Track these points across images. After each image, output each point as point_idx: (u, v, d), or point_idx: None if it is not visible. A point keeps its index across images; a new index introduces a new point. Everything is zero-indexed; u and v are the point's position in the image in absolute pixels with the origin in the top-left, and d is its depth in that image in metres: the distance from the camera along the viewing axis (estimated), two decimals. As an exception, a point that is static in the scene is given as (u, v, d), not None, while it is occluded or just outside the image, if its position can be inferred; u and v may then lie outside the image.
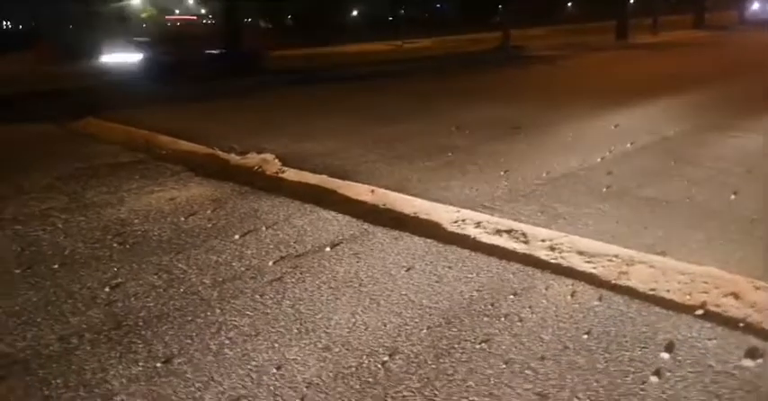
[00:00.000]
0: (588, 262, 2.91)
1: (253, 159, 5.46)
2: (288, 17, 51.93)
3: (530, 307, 2.48)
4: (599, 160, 4.88)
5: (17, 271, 3.07)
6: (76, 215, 3.99)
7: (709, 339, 2.20)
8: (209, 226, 3.69)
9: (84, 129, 7.74)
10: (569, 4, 56.22)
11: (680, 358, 2.09)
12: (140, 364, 2.18)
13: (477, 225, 3.51)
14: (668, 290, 2.59)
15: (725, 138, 5.56)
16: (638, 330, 2.28)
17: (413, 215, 3.77)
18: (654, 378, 1.97)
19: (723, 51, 16.52)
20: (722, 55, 15.41)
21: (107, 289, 2.81)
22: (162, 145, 6.35)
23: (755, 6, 30.67)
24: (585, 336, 2.24)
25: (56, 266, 3.12)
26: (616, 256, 2.95)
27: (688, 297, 2.53)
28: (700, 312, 2.39)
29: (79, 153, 6.03)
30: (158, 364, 2.17)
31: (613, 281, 2.69)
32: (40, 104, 10.61)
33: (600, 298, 2.53)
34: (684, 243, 3.12)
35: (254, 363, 2.16)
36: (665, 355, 2.10)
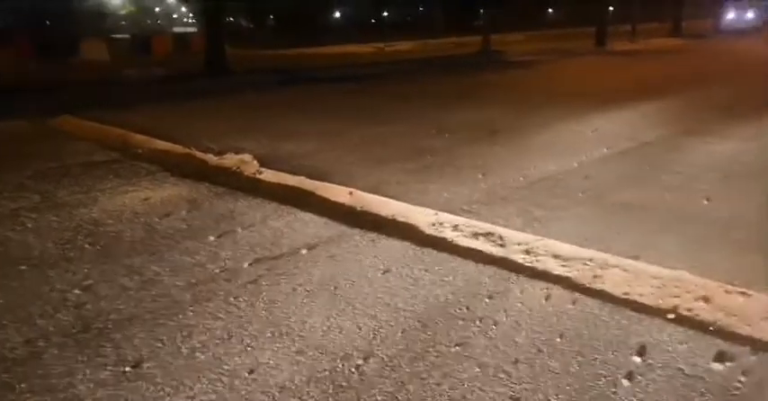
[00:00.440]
0: (563, 265, 2.92)
1: (230, 160, 5.39)
2: (270, 17, 51.68)
3: (504, 311, 2.48)
4: (576, 164, 4.92)
5: (-17, 272, 3.00)
6: (47, 215, 3.91)
7: (680, 343, 2.23)
8: (184, 227, 3.64)
9: (60, 127, 7.61)
10: (550, 10, 56.85)
11: (651, 361, 2.11)
12: (109, 368, 2.14)
13: (455, 228, 3.50)
14: (641, 294, 2.61)
15: (701, 144, 5.64)
16: (610, 333, 2.29)
17: (390, 217, 3.76)
18: (625, 382, 1.99)
19: (700, 59, 16.81)
20: (699, 62, 15.69)
21: (77, 291, 2.75)
22: (138, 144, 6.26)
23: (731, 16, 31.28)
24: (559, 339, 2.25)
25: (24, 267, 3.05)
26: (590, 260, 2.97)
27: (660, 300, 2.55)
28: (671, 316, 2.42)
29: (53, 151, 5.93)
30: (127, 368, 2.13)
31: (587, 285, 2.71)
32: (15, 101, 10.41)
33: (574, 302, 2.55)
34: (657, 247, 3.15)
35: (225, 367, 2.13)
36: (637, 359, 2.12)
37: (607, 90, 10.06)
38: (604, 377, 2.02)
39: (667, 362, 2.10)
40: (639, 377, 2.02)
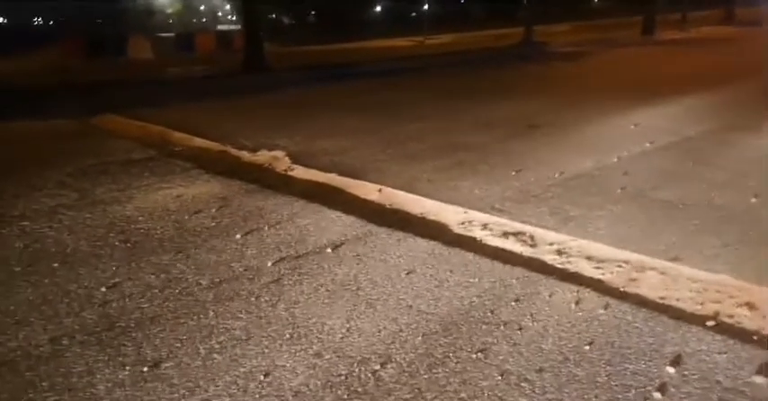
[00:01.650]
0: (596, 267, 2.79)
1: (263, 156, 5.42)
2: (310, 13, 52.04)
3: (531, 315, 2.38)
4: (615, 160, 4.73)
5: (17, 269, 3.06)
6: (83, 212, 3.99)
7: (720, 352, 2.09)
8: (213, 224, 3.65)
9: (102, 125, 7.79)
10: (596, -1, 55.25)
11: (686, 372, 1.98)
12: (128, 368, 2.14)
13: (484, 227, 3.41)
14: (679, 299, 2.47)
15: (749, 139, 5.36)
16: (643, 341, 2.17)
17: (419, 215, 3.69)
18: (657, 395, 1.87)
19: (752, 48, 16.04)
20: (751, 52, 14.97)
21: (103, 289, 2.78)
22: (176, 141, 6.35)
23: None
24: (587, 347, 2.14)
25: (56, 264, 3.10)
26: (626, 262, 2.83)
27: (699, 306, 2.41)
28: (711, 323, 2.28)
29: (94, 149, 6.06)
30: (145, 368, 2.13)
31: (621, 289, 2.58)
32: (62, 100, 10.76)
33: (606, 307, 2.42)
34: (699, 249, 2.98)
35: (242, 369, 2.11)
36: (671, 369, 1.99)
37: (652, 82, 9.70)
38: (634, 388, 1.91)
39: (704, 374, 1.96)
40: (673, 389, 1.89)
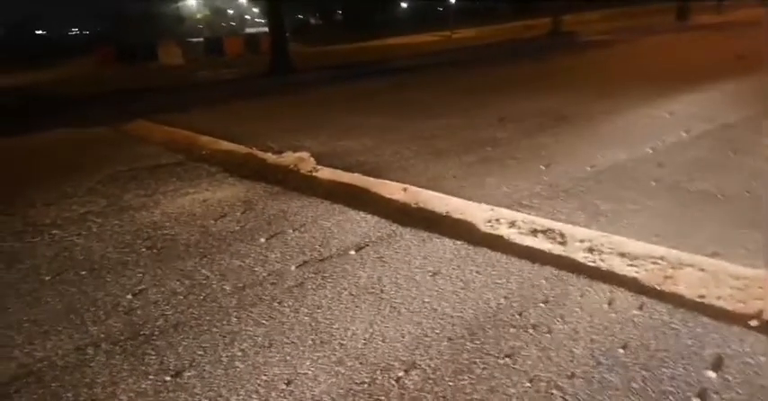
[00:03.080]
0: (630, 265, 2.68)
1: (289, 158, 5.41)
2: (337, 13, 52.18)
3: (561, 317, 2.29)
4: (650, 151, 4.56)
5: (47, 278, 3.10)
6: (111, 219, 4.03)
7: (764, 354, 1.96)
8: (237, 228, 3.64)
9: (133, 132, 7.92)
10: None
11: (728, 376, 1.87)
12: (150, 377, 2.13)
13: (512, 224, 3.31)
14: (719, 297, 2.35)
15: (792, 125, 5.10)
16: (682, 343, 2.05)
17: (444, 214, 3.61)
18: (697, 401, 1.76)
19: (794, 28, 15.40)
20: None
21: (129, 297, 2.79)
22: (203, 145, 6.41)
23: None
24: (621, 350, 2.04)
25: (84, 272, 3.13)
26: (662, 259, 2.71)
27: (741, 305, 2.28)
28: (754, 323, 2.14)
29: (124, 155, 6.15)
30: (168, 378, 2.11)
31: (657, 287, 2.46)
32: (95, 108, 11.00)
33: (641, 307, 2.31)
34: (740, 243, 2.83)
35: (264, 378, 2.07)
36: (712, 374, 1.88)
37: (687, 69, 9.38)
38: (672, 395, 1.80)
39: (747, 378, 1.85)
40: (714, 395, 1.78)
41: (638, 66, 10.58)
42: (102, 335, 2.46)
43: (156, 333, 2.45)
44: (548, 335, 2.17)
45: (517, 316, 2.32)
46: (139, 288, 2.89)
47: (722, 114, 5.65)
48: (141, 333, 2.46)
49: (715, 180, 3.78)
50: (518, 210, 3.52)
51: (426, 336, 2.24)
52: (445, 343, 2.18)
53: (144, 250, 3.41)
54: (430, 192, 4.01)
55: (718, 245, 2.82)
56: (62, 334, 2.49)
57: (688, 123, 5.36)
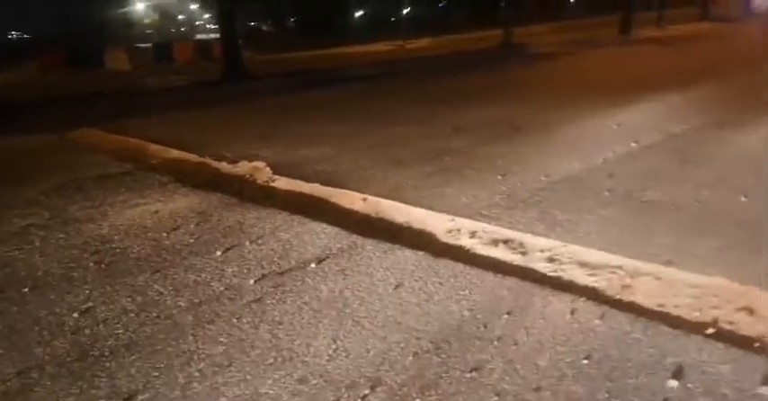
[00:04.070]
0: (590, 274, 2.70)
1: (244, 167, 5.27)
2: (290, 20, 51.90)
3: (525, 328, 2.28)
4: (601, 161, 4.67)
5: (-15, 296, 2.91)
6: (55, 232, 3.83)
7: (723, 362, 2.00)
8: (192, 241, 3.52)
9: (79, 140, 7.61)
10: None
11: (690, 385, 1.89)
12: (100, 402, 2.01)
13: (473, 234, 3.31)
14: (677, 306, 2.39)
15: (734, 136, 5.33)
16: (643, 353, 2.08)
17: (405, 225, 3.58)
18: (661, 411, 1.78)
19: (730, 44, 16.22)
20: (730, 48, 15.12)
21: (75, 315, 2.64)
22: (153, 154, 6.19)
23: (762, -3, 30.15)
24: (585, 361, 2.05)
25: (26, 289, 2.95)
26: (620, 268, 2.74)
27: (697, 313, 2.33)
28: (710, 331, 2.19)
29: (69, 165, 5.89)
30: (119, 402, 2.00)
31: (617, 296, 2.49)
32: (38, 114, 10.54)
33: (602, 317, 2.34)
34: (693, 251, 2.91)
35: (222, 399, 1.98)
36: (674, 383, 1.90)
37: (632, 81, 9.71)
38: (637, 405, 1.82)
39: (709, 387, 1.88)
40: (677, 405, 1.80)
41: (584, 78, 10.89)
42: (48, 357, 2.31)
43: (107, 353, 2.32)
44: (513, 347, 2.16)
45: (482, 328, 2.31)
46: (87, 306, 2.74)
47: (669, 125, 5.85)
48: (90, 354, 2.32)
49: (666, 190, 3.89)
50: (478, 220, 3.53)
51: (391, 351, 2.20)
52: (411, 358, 2.14)
53: (91, 265, 3.25)
54: (390, 202, 3.98)
55: (672, 253, 2.89)
56: (2, 357, 2.33)
57: (636, 134, 5.52)
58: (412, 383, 2.00)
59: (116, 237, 3.67)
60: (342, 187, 4.43)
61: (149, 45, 30.04)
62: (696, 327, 2.23)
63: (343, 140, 6.24)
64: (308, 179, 4.74)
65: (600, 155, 4.80)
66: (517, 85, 10.48)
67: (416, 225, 3.59)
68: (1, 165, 6.43)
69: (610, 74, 11.30)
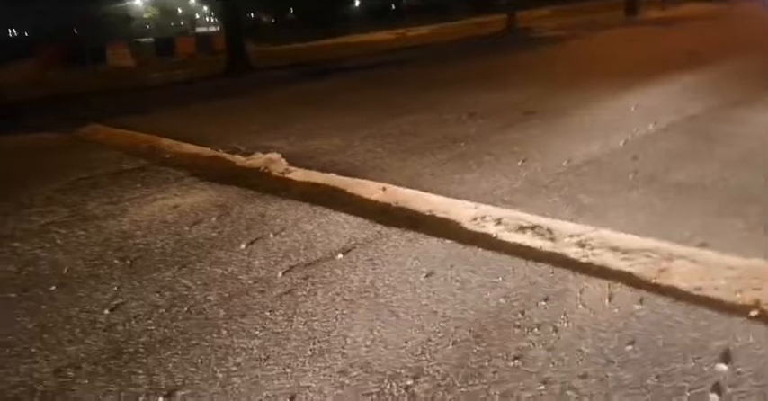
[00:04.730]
0: (623, 259, 2.67)
1: (258, 159, 5.25)
2: (289, 11, 51.57)
3: (564, 315, 2.25)
4: (621, 144, 4.62)
5: (13, 295, 2.89)
6: (76, 229, 3.82)
7: (770, 345, 1.97)
8: (214, 235, 3.50)
9: (89, 137, 7.58)
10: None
11: (739, 369, 1.86)
12: (141, 399, 1.99)
13: (498, 222, 3.27)
14: (716, 288, 2.35)
15: (752, 114, 5.26)
16: (688, 337, 2.04)
17: (428, 213, 3.55)
18: (714, 396, 1.75)
19: (736, 24, 16.01)
20: (736, 28, 14.93)
21: (106, 312, 2.63)
22: (165, 149, 6.17)
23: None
24: (630, 347, 2.02)
25: (53, 288, 2.94)
26: (653, 251, 2.71)
27: (739, 295, 2.29)
28: (754, 313, 2.16)
29: (82, 162, 5.87)
30: (160, 399, 1.98)
31: (653, 280, 2.46)
32: (44, 113, 10.50)
33: (641, 301, 2.30)
34: (725, 233, 2.87)
35: (265, 393, 1.96)
36: (723, 366, 1.87)
37: (643, 62, 9.60)
38: (688, 390, 1.79)
39: (759, 370, 1.84)
40: (729, 389, 1.77)
41: (594, 61, 10.78)
42: (83, 355, 2.30)
43: (141, 350, 2.30)
44: (554, 334, 2.13)
45: (520, 316, 2.28)
46: (116, 302, 2.73)
47: (685, 106, 5.78)
48: (125, 350, 2.31)
49: (690, 171, 3.84)
50: (502, 207, 3.49)
51: (430, 341, 2.17)
52: (450, 347, 2.12)
53: (116, 261, 3.23)
54: (410, 191, 3.95)
55: (705, 235, 2.85)
56: (37, 356, 2.32)
57: (654, 115, 5.45)
58: (455, 373, 1.97)
59: (138, 233, 3.65)
60: (359, 177, 4.40)
61: (151, 40, 29.89)
62: (738, 310, 2.19)
63: (355, 130, 6.19)
64: (323, 169, 4.71)
65: (619, 138, 4.74)
66: (526, 70, 10.37)
67: (439, 213, 3.55)
68: (13, 164, 6.40)
69: (619, 56, 11.17)
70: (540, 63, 11.46)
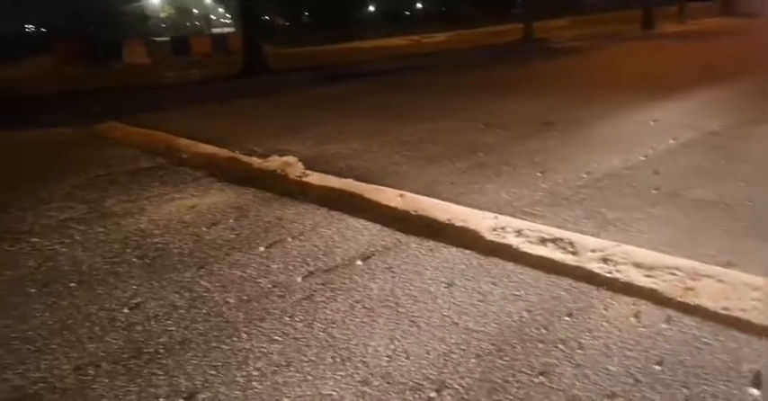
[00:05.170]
0: (648, 276, 2.64)
1: (275, 162, 5.25)
2: (304, 14, 51.84)
3: (589, 331, 2.22)
4: (643, 158, 4.58)
5: (33, 290, 2.90)
6: (95, 226, 3.82)
7: (801, 370, 1.93)
8: (233, 236, 3.49)
9: (106, 134, 7.63)
10: (590, -7, 55.10)
11: (771, 394, 1.82)
12: (161, 400, 1.98)
13: (519, 233, 3.25)
14: (743, 309, 2.32)
15: (773, 133, 5.21)
16: (717, 359, 2.01)
17: (447, 222, 3.53)
18: (745, 421, 1.71)
19: (754, 40, 15.93)
20: (754, 43, 14.85)
21: (126, 311, 2.62)
22: (182, 148, 6.19)
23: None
24: (658, 367, 1.98)
25: (73, 284, 2.94)
26: (677, 269, 2.67)
27: (766, 317, 2.25)
28: (784, 336, 2.12)
29: (99, 159, 5.90)
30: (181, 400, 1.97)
31: (679, 299, 2.42)
32: (60, 109, 10.58)
33: (668, 320, 2.27)
34: (751, 253, 2.83)
35: (285, 399, 1.94)
36: (755, 391, 1.84)
37: (661, 76, 9.55)
38: (719, 414, 1.75)
39: (791, 395, 1.81)
40: (761, 414, 1.74)
41: (613, 73, 10.74)
42: (102, 354, 2.29)
43: (161, 351, 2.29)
44: (579, 351, 2.10)
45: (543, 331, 2.25)
46: (135, 301, 2.72)
47: (704, 122, 5.73)
48: (145, 351, 2.30)
49: (713, 188, 3.79)
50: (522, 218, 3.47)
51: (453, 353, 2.14)
52: (474, 361, 2.09)
53: (135, 260, 3.22)
54: (428, 199, 3.93)
55: (731, 254, 2.81)
56: (57, 353, 2.31)
57: (673, 131, 5.41)
58: (478, 386, 1.95)
59: (156, 232, 3.65)
60: (376, 183, 4.39)
61: (167, 38, 30.12)
62: (767, 332, 2.15)
63: (372, 135, 6.19)
64: (340, 174, 4.70)
65: (640, 152, 4.71)
66: (544, 80, 10.35)
67: (459, 222, 3.53)
68: (30, 159, 6.45)
69: (636, 69, 11.12)
70: (558, 73, 11.43)
